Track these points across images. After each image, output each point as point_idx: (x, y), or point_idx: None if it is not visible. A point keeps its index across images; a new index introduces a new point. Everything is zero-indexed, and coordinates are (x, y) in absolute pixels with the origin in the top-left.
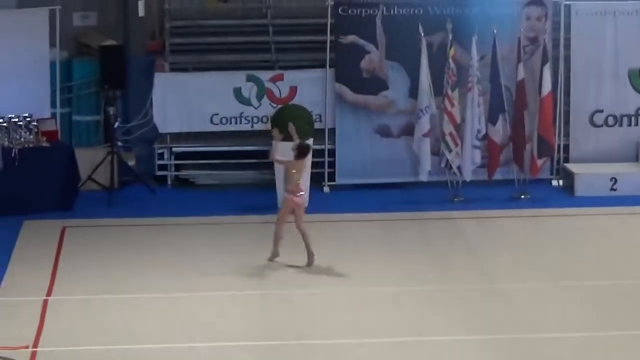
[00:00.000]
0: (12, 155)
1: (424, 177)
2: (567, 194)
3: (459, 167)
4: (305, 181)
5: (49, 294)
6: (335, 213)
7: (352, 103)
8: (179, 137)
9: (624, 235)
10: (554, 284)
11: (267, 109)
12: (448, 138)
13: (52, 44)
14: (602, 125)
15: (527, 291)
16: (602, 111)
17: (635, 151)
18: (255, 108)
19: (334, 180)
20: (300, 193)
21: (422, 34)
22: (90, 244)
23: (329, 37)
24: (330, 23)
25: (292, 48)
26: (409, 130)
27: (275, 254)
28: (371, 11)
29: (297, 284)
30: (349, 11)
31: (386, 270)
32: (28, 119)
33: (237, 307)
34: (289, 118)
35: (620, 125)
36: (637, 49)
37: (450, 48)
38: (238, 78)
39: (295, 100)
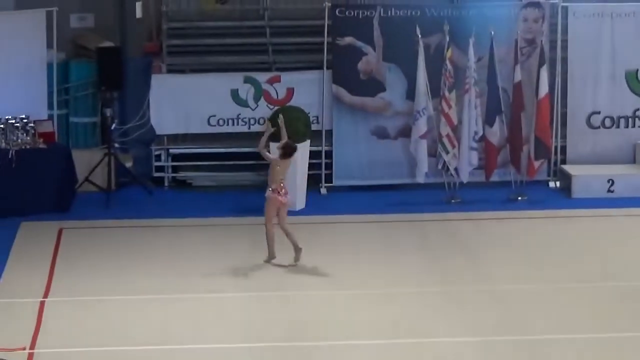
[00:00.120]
0: (9, 156)
1: (421, 179)
2: (564, 195)
3: (456, 169)
4: (301, 183)
5: (46, 295)
6: (332, 215)
7: (349, 105)
8: (176, 138)
9: (621, 237)
10: (551, 286)
11: (264, 110)
12: (445, 140)
13: (50, 46)
14: (599, 127)
15: (524, 293)
16: (599, 113)
17: (633, 153)
18: (253, 110)
19: (331, 182)
20: (284, 192)
21: (420, 36)
22: (87, 246)
23: (326, 39)
24: (328, 25)
25: (289, 50)
26: (406, 132)
27: (271, 256)
28: (368, 13)
29: (294, 286)
30: (346, 13)
31: (383, 271)
32: (25, 121)
33: (235, 308)
34: (286, 120)
35: (618, 127)
36: (634, 51)
37: (447, 50)
38: (235, 80)
39: (293, 102)
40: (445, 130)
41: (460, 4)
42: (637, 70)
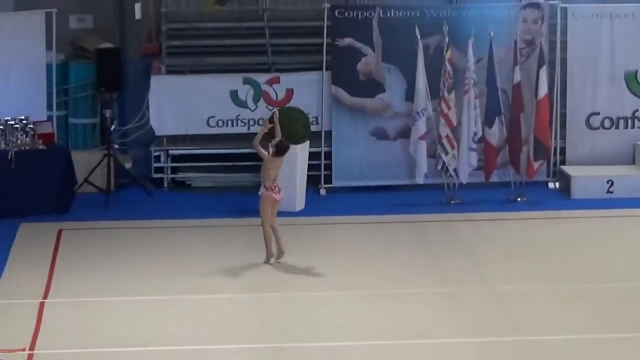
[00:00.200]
0: (9, 157)
1: (420, 180)
2: (563, 196)
3: (455, 170)
4: (300, 184)
5: (45, 296)
6: (331, 215)
7: (349, 106)
8: (175, 139)
9: (620, 237)
10: (551, 286)
11: (264, 111)
12: (444, 140)
13: (49, 47)
14: (598, 128)
15: (523, 293)
16: (598, 114)
17: (632, 154)
18: (252, 111)
19: (331, 183)
20: (278, 189)
21: (419, 37)
22: (86, 247)
23: (325, 40)
24: (327, 26)
25: (288, 51)
26: (405, 133)
27: (269, 255)
28: (367, 14)
29: (294, 287)
30: (346, 14)
31: (383, 272)
32: (24, 122)
33: (235, 309)
34: (286, 121)
35: (617, 127)
36: (633, 52)
37: (446, 51)
38: (234, 81)
39: (292, 103)
40: (444, 131)
41: (459, 5)
42: (637, 71)
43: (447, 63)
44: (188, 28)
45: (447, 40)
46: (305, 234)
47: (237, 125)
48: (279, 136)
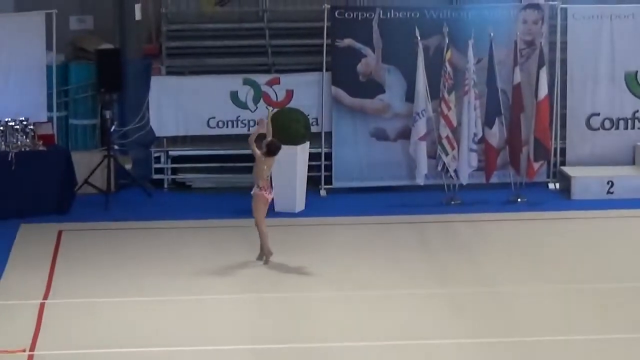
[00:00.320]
0: (9, 159)
1: (420, 181)
2: (563, 197)
3: (455, 171)
4: (301, 184)
5: (45, 297)
6: (331, 216)
7: (349, 106)
8: (175, 140)
9: (620, 238)
10: (551, 287)
11: (264, 112)
12: (445, 141)
13: (49, 48)
14: (598, 129)
15: (524, 294)
16: (598, 114)
17: (632, 154)
18: (252, 112)
19: (331, 184)
20: (269, 190)
21: (419, 38)
22: (86, 248)
23: (325, 41)
24: (327, 26)
25: (288, 51)
26: (405, 134)
27: (268, 253)
28: (367, 15)
29: (294, 287)
30: (346, 15)
31: (383, 273)
32: (25, 123)
33: (235, 310)
34: (286, 122)
35: (617, 128)
36: (633, 52)
37: (446, 51)
38: (234, 81)
39: (292, 104)
40: (444, 131)
41: (459, 6)
42: (637, 71)
43: (447, 64)
44: (188, 29)
45: (447, 41)
46: (306, 235)
47: (237, 126)
48: (270, 136)
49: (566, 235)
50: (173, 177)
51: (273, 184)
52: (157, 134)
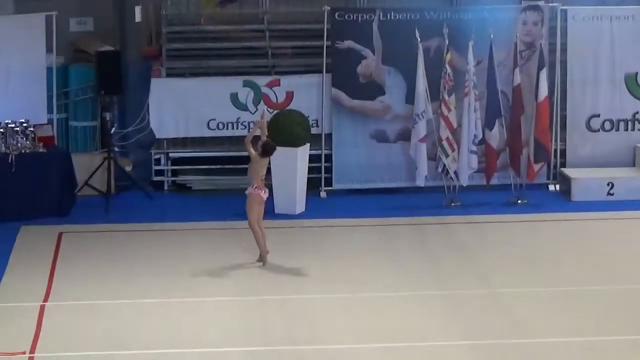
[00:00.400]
0: (9, 161)
1: (420, 182)
2: (563, 198)
3: (455, 172)
4: (301, 186)
5: (46, 299)
6: (331, 218)
7: (349, 108)
8: (175, 142)
9: (620, 240)
10: (551, 289)
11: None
12: (445, 143)
13: (49, 50)
14: (598, 130)
15: (524, 296)
16: (598, 116)
17: (632, 156)
18: (252, 113)
19: (331, 186)
20: (264, 191)
21: (419, 39)
22: (87, 250)
23: (325, 43)
24: (327, 28)
25: (288, 53)
26: (405, 136)
27: (264, 252)
28: (367, 16)
29: (293, 289)
30: (346, 16)
31: (383, 275)
32: (25, 125)
33: (234, 312)
34: (286, 124)
35: (617, 130)
36: (633, 54)
37: (446, 53)
38: (235, 83)
39: (292, 106)
40: (444, 133)
41: (459, 8)
42: (637, 73)
43: (447, 65)
44: (188, 31)
45: (447, 43)
46: (306, 237)
47: (237, 128)
48: (264, 137)
49: (566, 236)
50: (173, 179)
51: (273, 186)
52: (157, 135)
